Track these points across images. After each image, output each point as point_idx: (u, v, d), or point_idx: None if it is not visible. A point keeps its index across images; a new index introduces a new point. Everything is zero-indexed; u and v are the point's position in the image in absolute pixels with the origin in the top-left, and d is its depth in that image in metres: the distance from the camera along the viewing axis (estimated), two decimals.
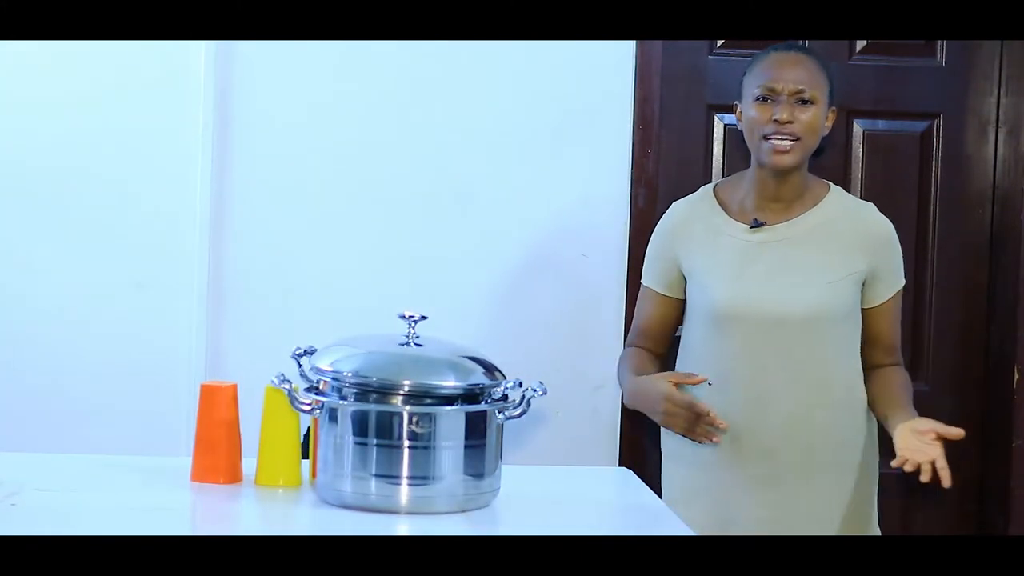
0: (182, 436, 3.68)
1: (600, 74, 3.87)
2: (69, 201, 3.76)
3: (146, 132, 3.77)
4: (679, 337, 3.26)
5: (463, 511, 2.61)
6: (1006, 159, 4.03)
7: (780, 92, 3.08)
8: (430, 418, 2.59)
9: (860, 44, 4.01)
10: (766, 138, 3.09)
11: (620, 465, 3.70)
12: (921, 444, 3.00)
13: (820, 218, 3.16)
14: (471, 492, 2.62)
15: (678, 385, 3.03)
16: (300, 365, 2.73)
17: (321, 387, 2.67)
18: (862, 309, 3.18)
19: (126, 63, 3.74)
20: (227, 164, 3.79)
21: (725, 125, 3.98)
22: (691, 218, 3.22)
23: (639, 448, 3.85)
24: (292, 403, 2.65)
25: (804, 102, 3.09)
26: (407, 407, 2.58)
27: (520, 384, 2.68)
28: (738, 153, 3.24)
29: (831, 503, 3.16)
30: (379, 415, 2.59)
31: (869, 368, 3.20)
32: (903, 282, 3.21)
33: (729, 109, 3.29)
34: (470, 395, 2.63)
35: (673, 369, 3.22)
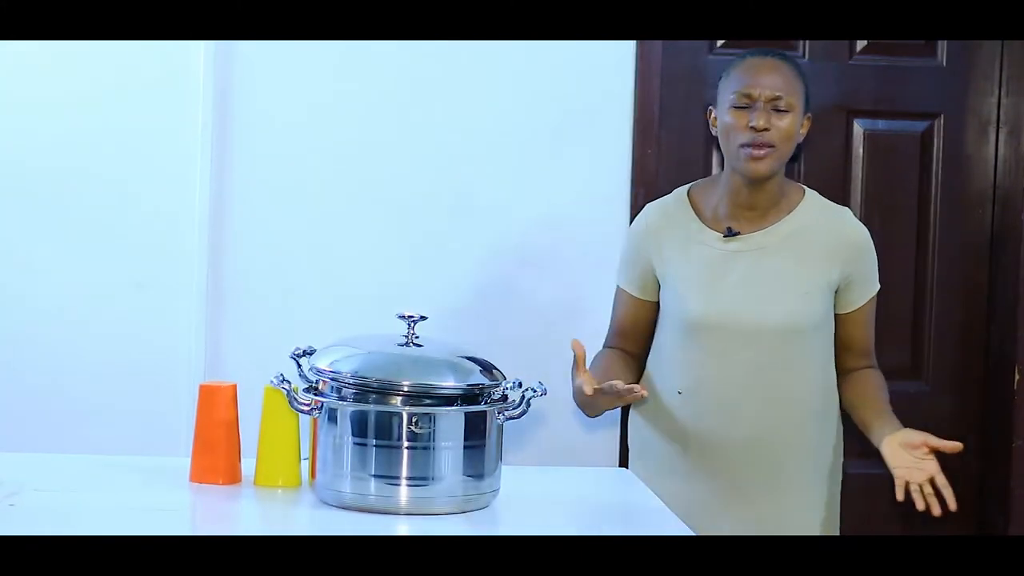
0: (182, 436, 3.68)
1: (600, 74, 3.87)
2: (69, 201, 3.76)
3: (146, 132, 3.77)
4: None
5: (463, 511, 2.61)
6: (1006, 159, 4.03)
7: (756, 99, 3.06)
8: (430, 418, 2.59)
9: (860, 44, 4.01)
10: (742, 146, 3.07)
11: (620, 465, 3.70)
12: (915, 461, 3.00)
13: (794, 226, 3.14)
14: (471, 492, 2.62)
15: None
16: (299, 365, 2.72)
17: (320, 387, 2.66)
18: (836, 315, 3.18)
19: (126, 63, 3.74)
20: (227, 164, 3.79)
21: None
22: (665, 223, 3.21)
23: None
24: (291, 403, 2.65)
25: (780, 110, 3.07)
26: (407, 407, 2.58)
27: (520, 384, 2.68)
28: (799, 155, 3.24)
29: (799, 516, 3.16)
30: (378, 415, 2.59)
31: (844, 372, 3.20)
32: (877, 287, 3.21)
33: None
34: (470, 395, 2.63)
35: (645, 370, 3.23)
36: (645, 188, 3.88)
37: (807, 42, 3.98)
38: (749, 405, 3.10)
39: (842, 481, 4.08)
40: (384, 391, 2.59)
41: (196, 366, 3.77)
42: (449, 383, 2.63)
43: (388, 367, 2.62)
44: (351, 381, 2.61)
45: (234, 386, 2.79)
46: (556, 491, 2.94)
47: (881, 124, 4.05)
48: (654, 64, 3.88)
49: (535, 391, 2.66)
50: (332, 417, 2.61)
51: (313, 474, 2.67)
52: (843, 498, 4.05)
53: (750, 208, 3.13)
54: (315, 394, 2.65)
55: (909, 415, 4.07)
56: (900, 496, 2.97)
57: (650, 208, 3.26)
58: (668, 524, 2.65)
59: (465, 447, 2.60)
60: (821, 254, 3.13)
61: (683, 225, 3.18)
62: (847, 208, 3.23)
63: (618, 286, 3.28)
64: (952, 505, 2.97)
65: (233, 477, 2.76)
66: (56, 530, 2.39)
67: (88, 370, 3.77)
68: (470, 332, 3.47)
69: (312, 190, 3.83)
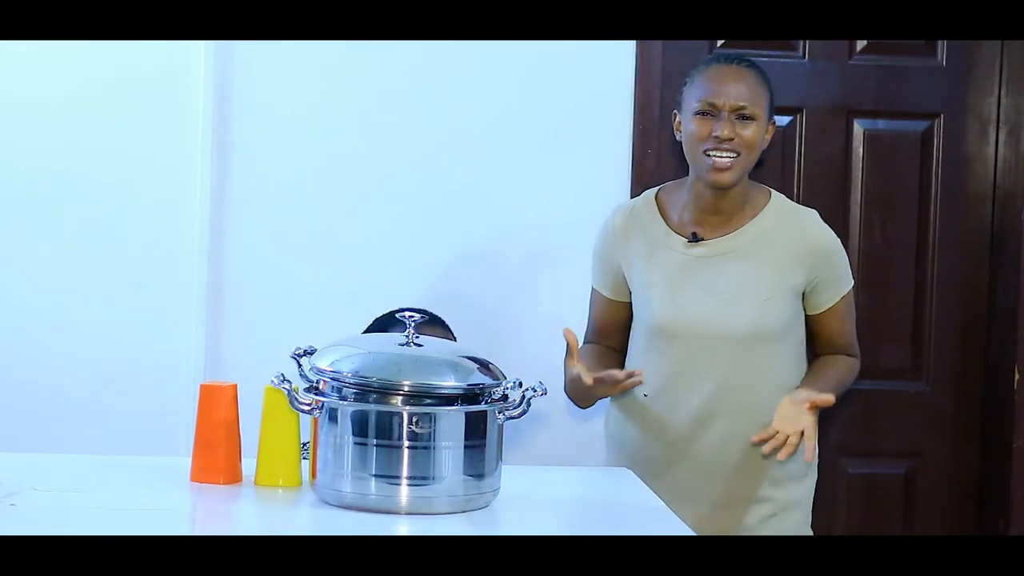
0: (182, 436, 3.68)
1: (600, 74, 3.87)
2: (69, 201, 3.76)
3: (146, 132, 3.77)
4: None
5: (463, 511, 2.60)
6: (1006, 159, 4.03)
7: (721, 108, 3.06)
8: (430, 418, 2.58)
9: (860, 44, 4.01)
10: (706, 154, 3.06)
11: None
12: (796, 414, 2.99)
13: (758, 231, 3.14)
14: (471, 492, 2.62)
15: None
16: (300, 365, 2.72)
17: (321, 387, 2.66)
18: (809, 315, 3.18)
19: (126, 63, 3.74)
20: (227, 164, 3.79)
21: None
22: (632, 227, 3.21)
23: None
24: (292, 403, 2.65)
25: (745, 118, 3.06)
26: (407, 407, 2.58)
27: (520, 384, 2.68)
28: (766, 153, 3.24)
29: (768, 521, 3.15)
30: (379, 415, 2.59)
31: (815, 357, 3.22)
32: (850, 284, 3.20)
33: None
34: (470, 395, 2.63)
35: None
36: (645, 188, 3.88)
37: (807, 42, 3.98)
38: (714, 410, 3.10)
39: (842, 481, 4.09)
40: (385, 391, 2.59)
41: (196, 366, 3.77)
42: (449, 383, 2.63)
43: (389, 367, 2.62)
44: (352, 381, 2.61)
45: (234, 386, 2.79)
46: (556, 491, 2.94)
47: (881, 124, 4.05)
48: (654, 64, 3.88)
49: (535, 391, 2.66)
50: (333, 417, 2.61)
51: (314, 474, 2.67)
52: (843, 498, 4.07)
53: (714, 213, 3.14)
54: (316, 394, 2.65)
55: (909, 415, 4.10)
56: (755, 439, 2.98)
57: (618, 211, 3.27)
58: (668, 524, 2.65)
59: (465, 447, 2.60)
60: (785, 259, 3.12)
61: (649, 229, 3.19)
62: (813, 210, 3.22)
63: (592, 287, 3.30)
64: (808, 457, 2.98)
65: (233, 477, 2.76)
66: (56, 530, 2.39)
67: (88, 370, 3.77)
68: (470, 332, 3.47)
69: (312, 190, 3.83)
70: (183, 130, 3.77)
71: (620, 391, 3.05)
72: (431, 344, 2.76)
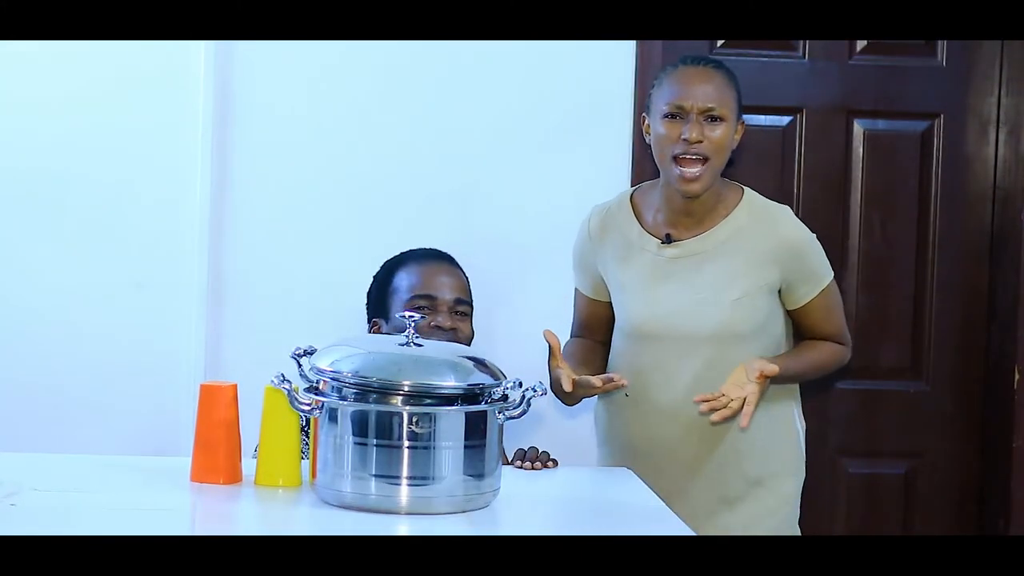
0: (182, 436, 3.68)
1: (600, 74, 3.87)
2: (69, 201, 3.76)
3: (146, 132, 3.77)
4: None
5: (463, 511, 2.60)
6: (1006, 159, 4.03)
7: (689, 110, 3.06)
8: (430, 418, 2.58)
9: (860, 44, 4.01)
10: (676, 160, 3.07)
11: None
12: (744, 381, 3.00)
13: (731, 229, 3.14)
14: (471, 492, 2.62)
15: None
16: (300, 365, 2.72)
17: (321, 387, 2.66)
18: (789, 309, 3.18)
19: (126, 63, 3.74)
20: (227, 164, 3.79)
21: None
22: (608, 228, 3.23)
23: None
24: (292, 403, 2.65)
25: (713, 119, 3.07)
26: (407, 407, 2.58)
27: (520, 384, 2.68)
28: (737, 153, 3.24)
29: (748, 515, 3.15)
30: (379, 415, 2.59)
31: None
32: (829, 277, 3.20)
33: None
34: (470, 395, 2.63)
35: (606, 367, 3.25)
36: None
37: (807, 42, 3.98)
38: (691, 411, 3.10)
39: (842, 481, 4.09)
40: (385, 391, 2.59)
41: (197, 366, 3.77)
42: (449, 383, 2.63)
43: (389, 367, 2.62)
44: (352, 381, 2.61)
45: (234, 386, 2.79)
46: (556, 491, 2.94)
47: (881, 124, 4.04)
48: (654, 64, 3.87)
49: (535, 391, 2.66)
50: (333, 417, 2.61)
51: (313, 474, 2.67)
52: (843, 498, 4.06)
53: (687, 215, 3.15)
54: (316, 394, 2.65)
55: (909, 415, 4.10)
56: (697, 398, 2.99)
57: (594, 213, 3.29)
58: (668, 524, 2.65)
59: (465, 447, 2.60)
60: (758, 256, 3.13)
61: (624, 231, 3.21)
62: (786, 207, 3.23)
63: (575, 286, 3.33)
64: (743, 423, 2.97)
65: (233, 477, 2.76)
66: (56, 530, 2.39)
67: (88, 370, 3.77)
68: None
69: (312, 190, 3.83)
70: (183, 130, 3.77)
71: (602, 392, 3.06)
72: (431, 344, 2.76)
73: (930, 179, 4.04)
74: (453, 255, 3.43)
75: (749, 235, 3.14)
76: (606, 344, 3.30)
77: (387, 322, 3.29)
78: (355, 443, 2.59)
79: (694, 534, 2.59)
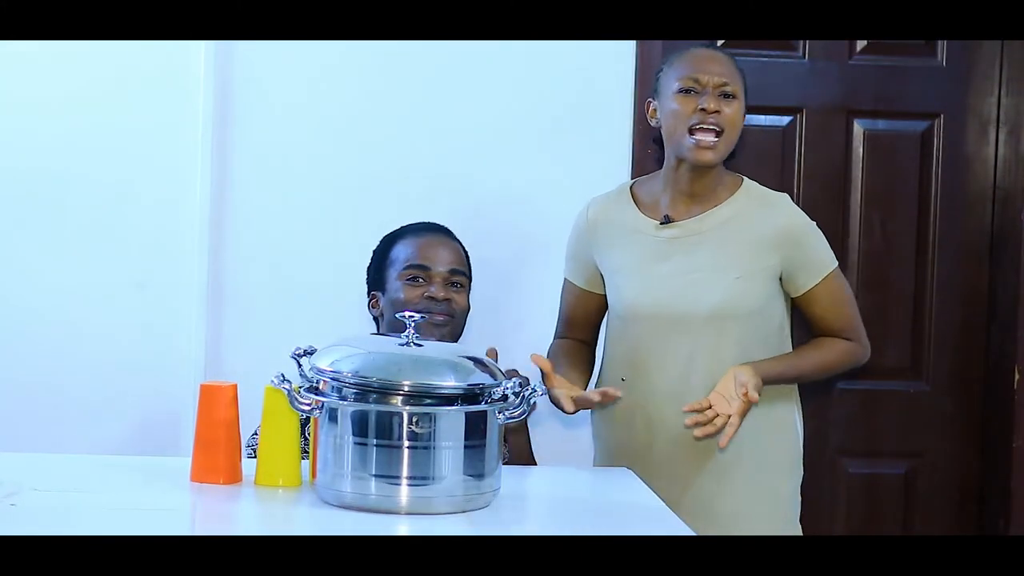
0: (182, 436, 3.69)
1: (600, 74, 3.87)
2: (69, 201, 3.76)
3: (146, 132, 3.77)
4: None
5: (463, 511, 2.60)
6: (1006, 159, 4.03)
7: (705, 84, 3.11)
8: (430, 418, 2.58)
9: (860, 44, 4.01)
10: (691, 132, 3.10)
11: None
12: (733, 397, 3.00)
13: (730, 212, 3.17)
14: (471, 492, 2.62)
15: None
16: (300, 365, 2.72)
17: (321, 387, 2.66)
18: (793, 297, 3.19)
19: (126, 63, 3.74)
20: (227, 164, 3.79)
21: None
22: (606, 216, 3.26)
23: None
24: (292, 403, 2.65)
25: (727, 96, 3.11)
26: (407, 407, 2.58)
27: (520, 384, 2.68)
28: (738, 152, 3.25)
29: (745, 502, 3.16)
30: (379, 415, 2.59)
31: None
32: (832, 266, 3.20)
33: None
34: (470, 395, 2.63)
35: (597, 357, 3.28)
36: None
37: (807, 42, 3.98)
38: (686, 391, 3.11)
39: (842, 481, 4.09)
40: (385, 391, 2.59)
41: (197, 366, 3.77)
42: (449, 383, 2.63)
43: (388, 367, 2.62)
44: (352, 381, 2.61)
45: (234, 386, 2.79)
46: (556, 491, 2.94)
47: (881, 124, 4.05)
48: (654, 64, 3.87)
49: (535, 391, 2.66)
50: (333, 417, 2.61)
51: (313, 474, 2.67)
52: (843, 498, 4.06)
53: (690, 195, 3.17)
54: (316, 394, 2.65)
55: (909, 415, 4.10)
56: (686, 407, 3.00)
57: (591, 203, 3.32)
58: (668, 524, 2.65)
59: (465, 447, 2.60)
60: (756, 240, 3.14)
61: (622, 216, 3.23)
62: (784, 194, 3.25)
63: (565, 278, 3.34)
64: (722, 443, 2.99)
65: (233, 477, 2.76)
66: (56, 530, 2.39)
67: (89, 370, 3.77)
68: (470, 332, 3.47)
69: (312, 189, 3.83)
70: (183, 130, 3.77)
71: (601, 405, 3.09)
72: (431, 344, 2.76)
73: (930, 179, 4.04)
74: None
75: (748, 219, 3.15)
76: (590, 345, 3.32)
77: (384, 294, 3.30)
78: (355, 443, 2.59)
79: (694, 534, 2.59)
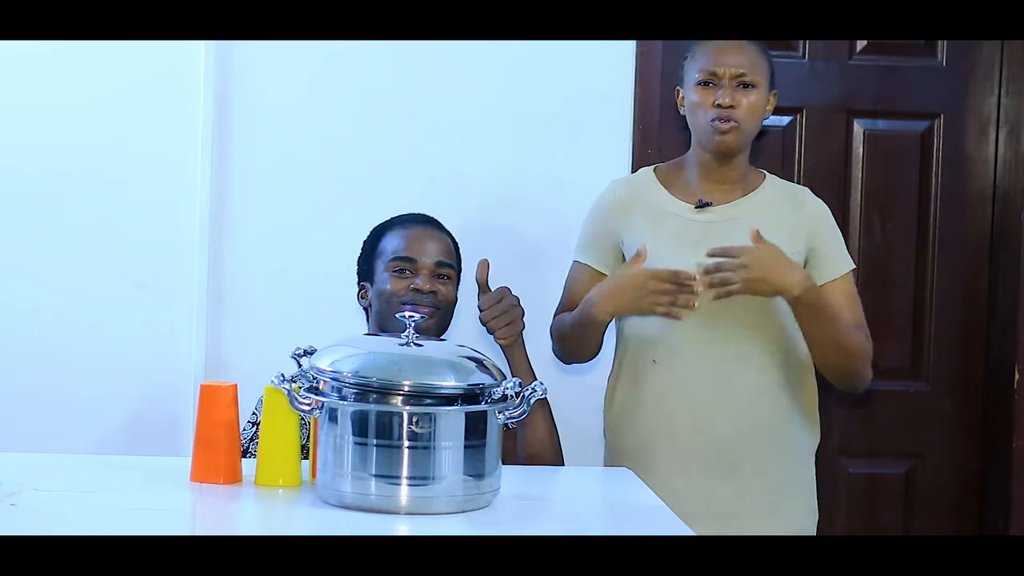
0: (182, 436, 3.69)
1: (600, 74, 3.87)
2: (69, 201, 3.76)
3: (146, 132, 3.77)
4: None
5: (463, 511, 2.60)
6: (1006, 159, 4.03)
7: (722, 77, 3.13)
8: (430, 418, 2.58)
9: (860, 44, 4.01)
10: (710, 121, 3.13)
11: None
12: (770, 258, 3.05)
13: (760, 200, 3.22)
14: (471, 492, 2.62)
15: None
16: (300, 365, 2.72)
17: (321, 387, 2.66)
18: None
19: (126, 63, 3.74)
20: (227, 164, 3.79)
21: None
22: (633, 197, 3.26)
23: None
24: (292, 403, 2.65)
25: (746, 86, 3.14)
26: (407, 407, 2.58)
27: (520, 384, 2.68)
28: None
29: (783, 493, 3.16)
30: (379, 415, 2.59)
31: None
32: (849, 267, 3.22)
33: None
34: (470, 395, 2.63)
35: (607, 349, 3.28)
36: None
37: (807, 42, 3.99)
38: (726, 370, 3.12)
39: (842, 481, 4.09)
40: (385, 391, 2.59)
41: (197, 366, 3.77)
42: (449, 383, 2.63)
43: (388, 367, 2.62)
44: (352, 381, 2.61)
45: (234, 386, 2.79)
46: (556, 491, 2.94)
47: (881, 124, 4.05)
48: (654, 64, 3.88)
49: (535, 391, 2.66)
50: (333, 417, 2.61)
51: (314, 474, 2.67)
52: (843, 498, 4.06)
53: (720, 183, 3.20)
54: (316, 394, 2.65)
55: (909, 415, 4.10)
56: (713, 251, 3.07)
57: (616, 183, 3.33)
58: (668, 524, 2.65)
59: (465, 447, 2.60)
60: (787, 226, 3.18)
61: (652, 198, 3.24)
62: (807, 187, 3.31)
63: (577, 262, 3.33)
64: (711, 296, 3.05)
65: (233, 477, 2.76)
66: (56, 530, 2.39)
67: (89, 370, 3.77)
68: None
69: (312, 190, 3.83)
70: (183, 130, 3.77)
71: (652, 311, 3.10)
72: (431, 344, 2.76)
73: (930, 179, 4.04)
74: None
75: (780, 206, 3.21)
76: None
77: (372, 285, 3.30)
78: (355, 443, 2.58)
79: (694, 534, 2.59)
